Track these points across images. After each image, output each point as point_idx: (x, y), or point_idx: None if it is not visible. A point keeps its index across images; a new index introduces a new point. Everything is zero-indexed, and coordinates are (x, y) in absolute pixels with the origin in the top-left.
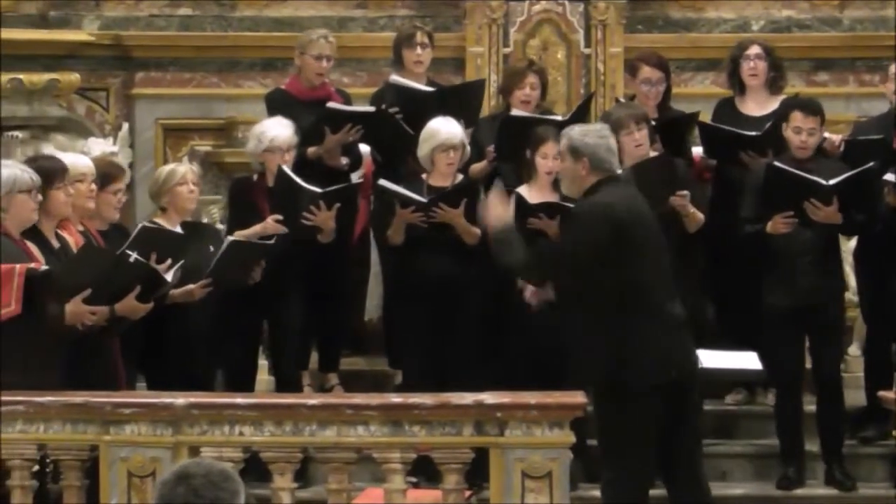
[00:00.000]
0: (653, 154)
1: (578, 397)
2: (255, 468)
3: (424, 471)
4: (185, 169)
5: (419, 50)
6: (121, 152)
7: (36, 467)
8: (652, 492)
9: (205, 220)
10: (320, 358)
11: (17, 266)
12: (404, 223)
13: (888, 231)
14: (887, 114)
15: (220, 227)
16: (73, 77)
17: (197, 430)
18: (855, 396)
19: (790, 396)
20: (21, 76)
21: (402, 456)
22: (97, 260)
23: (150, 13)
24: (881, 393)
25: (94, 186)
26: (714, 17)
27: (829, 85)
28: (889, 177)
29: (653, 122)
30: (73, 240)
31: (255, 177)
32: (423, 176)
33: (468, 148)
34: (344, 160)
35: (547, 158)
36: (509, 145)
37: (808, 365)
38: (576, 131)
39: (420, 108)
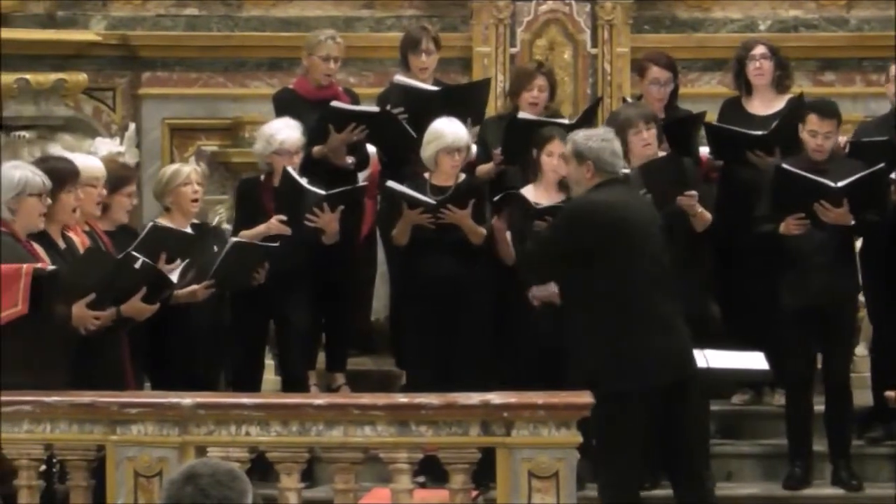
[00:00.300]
0: (661, 154)
1: (585, 397)
2: (257, 468)
3: (431, 471)
4: (189, 169)
5: (424, 57)
6: (127, 152)
7: (43, 467)
8: (656, 492)
9: (213, 221)
10: (327, 358)
11: (24, 266)
12: (410, 224)
13: (894, 230)
14: (888, 115)
15: (227, 227)
16: (80, 77)
17: (203, 430)
18: (861, 396)
19: (801, 396)
20: (28, 76)
21: (409, 456)
22: (102, 263)
23: (156, 13)
24: (888, 393)
25: (104, 191)
26: (721, 17)
27: (836, 85)
28: (894, 176)
29: (660, 122)
30: (80, 240)
31: (262, 177)
32: (426, 175)
33: (472, 149)
34: (350, 160)
35: (552, 157)
36: (516, 148)
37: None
38: (580, 135)
39: (426, 108)
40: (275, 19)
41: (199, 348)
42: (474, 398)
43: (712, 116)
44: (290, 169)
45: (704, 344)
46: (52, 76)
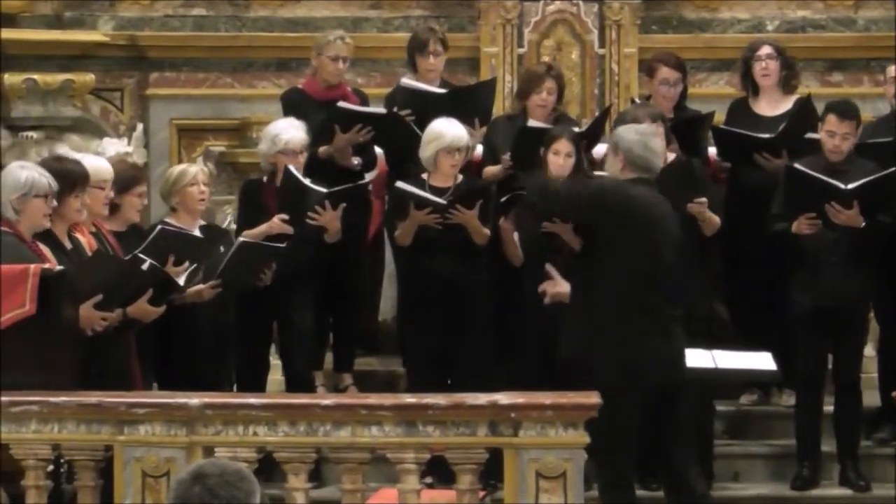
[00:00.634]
0: (670, 155)
1: (593, 397)
2: (263, 468)
3: (439, 471)
4: (196, 169)
5: (432, 58)
6: (135, 153)
7: (50, 467)
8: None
9: (224, 222)
10: (334, 358)
11: (32, 266)
12: (416, 225)
13: None
14: (888, 116)
15: (235, 227)
16: (88, 77)
17: (211, 431)
18: (869, 397)
19: (811, 396)
20: (36, 76)
21: (416, 456)
22: (109, 265)
23: (164, 13)
24: (895, 394)
25: (111, 193)
26: (728, 18)
27: (844, 85)
28: None
29: (668, 122)
30: (86, 241)
31: (265, 178)
32: (424, 176)
33: (477, 149)
34: (356, 160)
35: (559, 155)
36: (525, 154)
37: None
38: (621, 127)
39: (433, 110)
40: (282, 20)
41: (205, 348)
42: (482, 398)
43: (720, 117)
44: (291, 167)
45: (712, 344)
46: (60, 77)
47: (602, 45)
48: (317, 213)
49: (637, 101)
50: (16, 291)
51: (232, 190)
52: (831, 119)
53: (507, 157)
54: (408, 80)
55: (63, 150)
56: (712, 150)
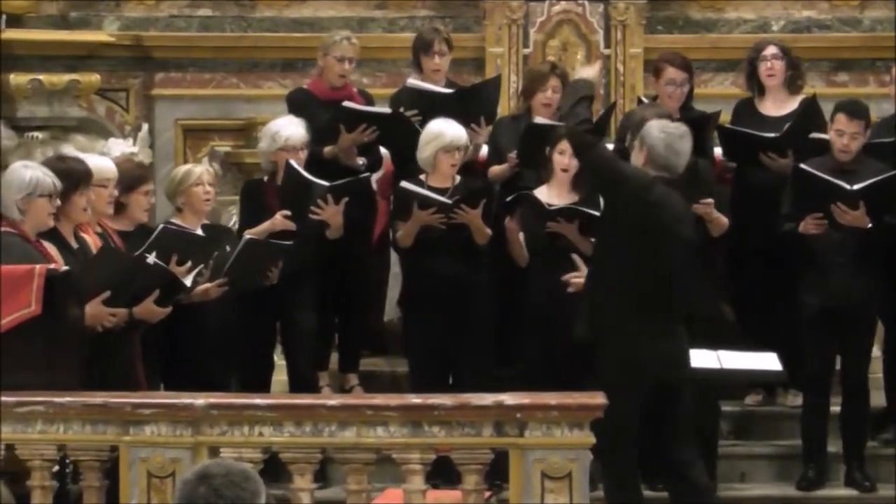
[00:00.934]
0: None
1: (598, 398)
2: (270, 469)
3: (444, 472)
4: (201, 170)
5: (437, 59)
6: (141, 153)
7: (56, 468)
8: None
9: (230, 222)
10: (340, 359)
11: (37, 266)
12: (418, 226)
13: None
14: (893, 116)
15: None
16: (94, 78)
17: (216, 431)
18: (874, 398)
19: (817, 397)
20: (41, 77)
21: (422, 456)
22: (116, 263)
23: (169, 14)
24: None
25: (115, 192)
26: (734, 18)
27: (850, 85)
28: None
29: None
30: (92, 241)
31: (266, 178)
32: (422, 177)
33: (483, 149)
34: (361, 160)
35: (564, 155)
36: (532, 152)
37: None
38: (653, 122)
39: (438, 110)
40: (288, 20)
41: (212, 348)
42: (487, 399)
43: (726, 117)
44: (293, 162)
45: (717, 345)
46: (66, 77)
47: (607, 46)
48: (319, 207)
49: (644, 100)
50: (21, 292)
51: (237, 190)
52: (841, 118)
53: (513, 155)
54: (413, 80)
55: (68, 150)
56: (718, 151)
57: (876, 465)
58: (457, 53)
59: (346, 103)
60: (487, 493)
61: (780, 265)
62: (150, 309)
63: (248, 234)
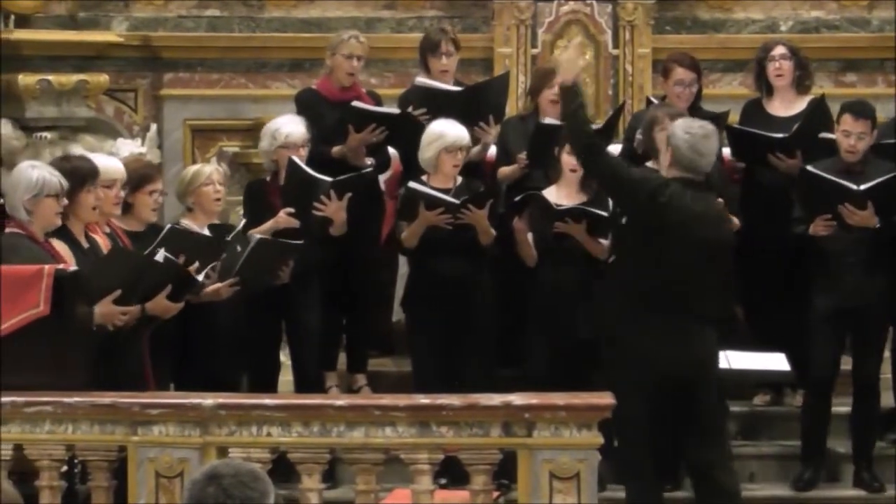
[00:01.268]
0: None
1: (606, 398)
2: (280, 469)
3: (452, 472)
4: (210, 169)
5: (444, 59)
6: (149, 153)
7: (64, 468)
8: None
9: (232, 222)
10: (348, 359)
11: (46, 267)
12: (424, 226)
13: None
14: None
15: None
16: (102, 78)
17: (225, 431)
18: (884, 398)
19: (821, 399)
20: (50, 77)
21: (430, 457)
22: (126, 262)
23: (178, 14)
24: None
25: (122, 192)
26: (742, 18)
27: (858, 86)
28: None
29: None
30: (102, 241)
31: (268, 178)
32: (424, 178)
33: (477, 148)
34: (369, 161)
35: (572, 155)
36: (541, 153)
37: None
38: (679, 122)
39: (447, 109)
40: (296, 20)
41: (222, 348)
42: (495, 399)
43: (735, 118)
44: (295, 158)
45: (726, 345)
46: (74, 77)
47: (616, 46)
48: (322, 203)
49: (654, 101)
50: (30, 292)
51: None
52: (847, 119)
53: (522, 156)
54: (422, 79)
55: (77, 150)
56: (726, 151)
57: (883, 466)
58: (465, 54)
59: (355, 103)
60: (495, 494)
61: (790, 265)
62: (162, 304)
63: (256, 235)
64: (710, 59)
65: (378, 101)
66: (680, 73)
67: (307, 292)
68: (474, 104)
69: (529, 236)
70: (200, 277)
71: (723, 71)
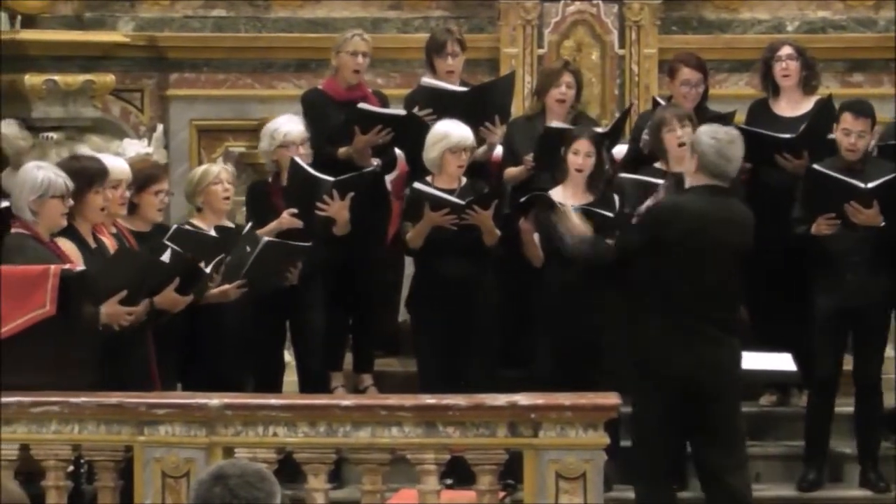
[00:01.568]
0: None
1: (612, 398)
2: (287, 469)
3: (458, 472)
4: (219, 168)
5: (450, 60)
6: (155, 153)
7: (70, 468)
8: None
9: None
10: (354, 359)
11: (52, 267)
12: (429, 227)
13: None
14: None
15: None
16: (108, 78)
17: (231, 431)
18: (888, 398)
19: (824, 399)
20: (56, 77)
21: (436, 457)
22: (132, 263)
23: (184, 14)
24: None
25: (127, 193)
26: (749, 18)
27: (865, 86)
28: None
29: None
30: (108, 242)
31: (270, 178)
32: (429, 178)
33: (484, 148)
34: (375, 161)
35: (578, 155)
36: (548, 155)
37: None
38: (704, 128)
39: (453, 109)
40: (302, 20)
41: (229, 349)
42: (501, 399)
43: (741, 118)
44: (297, 158)
45: None
46: (80, 77)
47: (622, 46)
48: (325, 202)
49: (661, 101)
50: (36, 292)
51: None
52: (846, 117)
53: (529, 157)
54: (428, 79)
55: (83, 150)
56: None
57: (888, 466)
58: (471, 54)
59: (362, 105)
60: (501, 494)
61: (795, 266)
62: (171, 298)
63: (264, 237)
64: (716, 60)
65: (384, 101)
66: (686, 73)
67: (312, 292)
68: (480, 104)
69: (536, 236)
70: (208, 270)
71: (729, 71)
